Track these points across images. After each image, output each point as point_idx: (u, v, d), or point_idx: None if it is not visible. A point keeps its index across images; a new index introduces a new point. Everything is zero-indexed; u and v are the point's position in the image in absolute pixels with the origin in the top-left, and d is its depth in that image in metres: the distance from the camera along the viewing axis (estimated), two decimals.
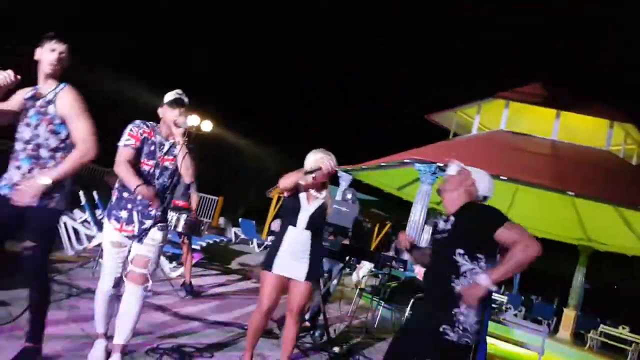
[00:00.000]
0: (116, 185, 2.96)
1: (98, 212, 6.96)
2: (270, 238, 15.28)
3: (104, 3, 23.10)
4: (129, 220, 2.88)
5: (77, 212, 6.66)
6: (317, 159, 3.27)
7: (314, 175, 3.16)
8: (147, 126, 2.97)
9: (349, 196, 5.83)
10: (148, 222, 2.90)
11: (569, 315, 12.00)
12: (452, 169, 2.68)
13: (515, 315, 13.04)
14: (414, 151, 10.93)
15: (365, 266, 9.83)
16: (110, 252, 2.95)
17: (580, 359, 10.47)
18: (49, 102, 2.60)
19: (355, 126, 30.39)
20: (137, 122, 2.96)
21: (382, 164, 11.20)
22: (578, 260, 13.25)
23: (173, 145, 2.95)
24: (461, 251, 2.43)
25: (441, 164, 9.65)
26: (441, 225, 2.62)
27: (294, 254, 3.23)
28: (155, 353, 3.44)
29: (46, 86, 2.63)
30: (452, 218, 2.57)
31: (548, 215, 12.12)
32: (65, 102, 2.60)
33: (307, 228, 3.25)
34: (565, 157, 10.66)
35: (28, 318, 2.75)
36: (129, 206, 2.88)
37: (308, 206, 3.29)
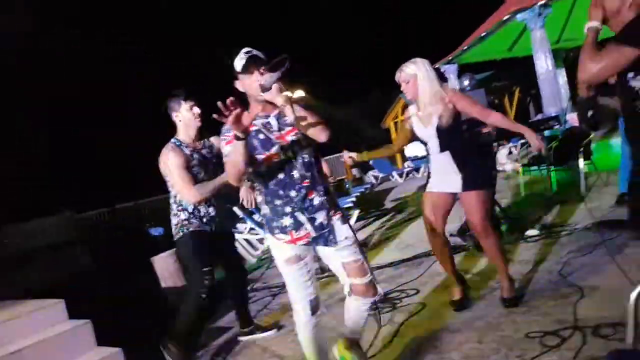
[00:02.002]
0: (259, 194, 2.36)
1: (255, 216, 7.48)
2: (407, 163, 15.18)
3: None
4: (297, 225, 2.25)
5: (240, 226, 7.24)
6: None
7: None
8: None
9: (466, 83, 5.47)
10: (320, 215, 2.26)
11: None
12: None
13: None
14: (508, 2, 9.90)
15: (501, 151, 9.31)
16: (289, 272, 2.32)
17: None
18: None
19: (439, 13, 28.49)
20: (226, 126, 2.19)
21: (483, 34, 10.35)
22: None
23: (280, 116, 2.26)
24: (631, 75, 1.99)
25: (542, 1, 8.63)
26: None
27: (443, 172, 3.13)
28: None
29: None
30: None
31: None
32: None
33: (442, 150, 3.10)
34: None
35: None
36: (287, 209, 2.25)
37: (426, 131, 3.13)
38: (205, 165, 3.30)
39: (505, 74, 17.06)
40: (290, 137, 2.25)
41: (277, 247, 2.31)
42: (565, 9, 9.63)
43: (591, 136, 5.95)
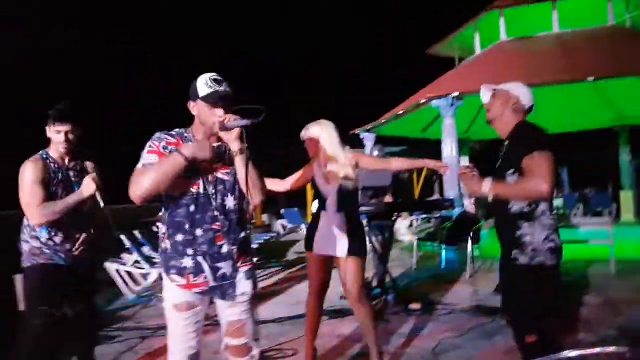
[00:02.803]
0: (162, 226, 2.16)
1: (145, 249, 7.07)
2: None
3: None
4: (197, 270, 2.07)
5: (125, 256, 6.78)
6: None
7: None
8: (172, 136, 2.12)
9: (376, 153, 5.76)
10: (226, 265, 2.10)
11: (626, 197, 11.71)
12: (486, 95, 2.55)
13: (575, 214, 12.81)
14: (427, 89, 10.72)
15: (402, 222, 9.82)
16: (176, 320, 2.10)
17: None
18: None
19: (363, 87, 30.09)
20: (157, 134, 2.11)
21: (400, 112, 11.07)
22: (619, 141, 12.94)
23: (219, 149, 2.11)
24: (511, 171, 2.36)
25: (456, 94, 9.45)
26: (501, 151, 2.54)
27: (330, 233, 3.14)
28: None
29: None
30: (506, 143, 2.49)
31: (576, 108, 11.79)
32: None
33: (338, 210, 3.15)
34: (573, 45, 10.28)
35: None
36: (190, 251, 2.07)
37: (329, 187, 3.17)
38: (67, 187, 2.95)
39: (417, 152, 18.22)
40: (220, 175, 2.11)
41: (169, 289, 2.10)
42: (476, 104, 10.62)
43: (481, 223, 6.44)
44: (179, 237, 2.06)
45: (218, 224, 2.07)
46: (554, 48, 10.31)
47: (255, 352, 2.20)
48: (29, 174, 2.85)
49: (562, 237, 2.37)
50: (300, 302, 5.38)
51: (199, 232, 2.04)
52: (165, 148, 2.05)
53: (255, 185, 2.07)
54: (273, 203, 21.36)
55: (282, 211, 15.36)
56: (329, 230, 3.15)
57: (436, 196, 11.95)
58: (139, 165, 2.02)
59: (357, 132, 12.93)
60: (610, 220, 7.52)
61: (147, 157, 2.03)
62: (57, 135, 2.92)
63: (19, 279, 5.42)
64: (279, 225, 15.54)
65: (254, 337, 2.20)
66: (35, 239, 2.91)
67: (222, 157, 2.12)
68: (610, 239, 6.10)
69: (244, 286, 2.13)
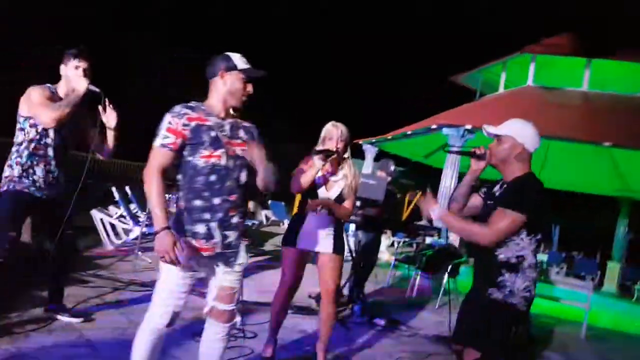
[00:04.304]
0: (181, 191, 2.27)
1: (132, 206, 7.10)
2: None
3: None
4: (208, 235, 2.21)
5: (112, 209, 6.82)
6: (326, 131, 3.18)
7: (325, 158, 2.95)
8: (192, 109, 2.21)
9: (392, 168, 5.65)
10: (233, 235, 2.26)
11: (613, 268, 11.70)
12: (490, 135, 2.52)
13: (557, 272, 12.83)
14: (440, 116, 10.71)
15: (383, 240, 9.81)
16: (174, 277, 2.19)
17: (629, 310, 10.23)
18: None
19: (378, 97, 29.99)
20: (177, 108, 2.20)
21: (408, 132, 11.03)
22: (619, 212, 12.90)
23: (233, 126, 2.29)
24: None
25: (469, 127, 9.44)
26: (496, 189, 2.51)
27: (318, 231, 3.19)
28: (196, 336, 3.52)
29: None
30: (505, 186, 2.46)
31: (584, 169, 11.76)
32: None
33: (329, 214, 3.19)
34: (598, 107, 10.25)
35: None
36: (206, 216, 2.20)
37: (327, 193, 3.21)
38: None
39: (416, 176, 18.23)
40: (238, 150, 2.27)
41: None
42: (487, 142, 10.62)
43: (463, 259, 6.47)
44: (197, 203, 2.19)
45: (234, 196, 2.24)
46: (579, 104, 10.29)
47: (238, 319, 2.40)
48: (37, 93, 3.06)
49: (541, 292, 2.39)
50: (267, 292, 5.42)
51: (216, 200, 2.19)
52: (186, 125, 2.17)
53: (261, 159, 2.27)
54: (261, 192, 21.29)
55: (269, 202, 15.43)
56: (315, 228, 3.19)
57: (424, 222, 11.94)
58: (157, 143, 2.17)
59: (360, 143, 12.88)
60: (592, 285, 7.56)
61: (165, 134, 2.16)
62: (75, 70, 3.13)
63: None
64: (263, 214, 15.58)
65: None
66: (18, 165, 3.09)
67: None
68: (588, 303, 6.12)
69: (242, 257, 2.33)
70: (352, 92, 28.42)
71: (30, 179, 3.09)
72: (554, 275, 10.68)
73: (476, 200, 2.55)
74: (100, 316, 3.69)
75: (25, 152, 3.10)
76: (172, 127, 2.15)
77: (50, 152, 3.15)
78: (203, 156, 2.17)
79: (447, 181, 9.83)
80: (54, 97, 3.12)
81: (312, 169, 3.00)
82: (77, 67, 3.14)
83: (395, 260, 7.02)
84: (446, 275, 6.06)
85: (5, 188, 3.09)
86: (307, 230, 3.22)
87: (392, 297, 5.91)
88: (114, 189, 6.68)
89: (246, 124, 2.36)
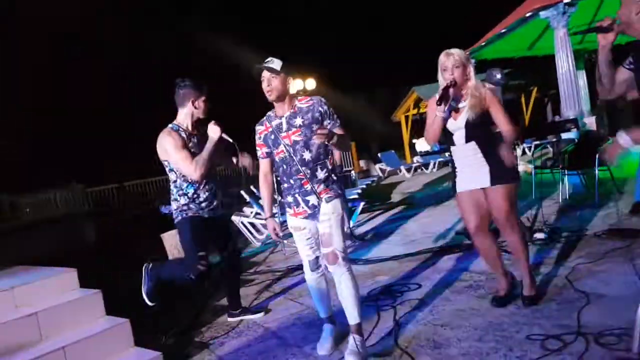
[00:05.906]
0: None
1: (262, 200, 7.47)
2: (416, 158, 15.06)
3: None
4: (297, 203, 2.87)
5: (246, 209, 7.23)
6: (440, 62, 2.96)
7: (447, 101, 2.85)
8: (261, 123, 2.96)
9: (499, 76, 5.21)
10: (312, 198, 2.83)
11: None
12: None
13: None
14: (531, 1, 9.69)
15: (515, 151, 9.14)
16: (295, 237, 2.97)
17: None
18: None
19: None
20: (256, 126, 3.00)
21: (503, 30, 10.16)
22: None
23: (291, 116, 2.84)
24: None
25: (567, 0, 8.46)
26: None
27: (469, 166, 3.04)
28: (369, 300, 3.62)
29: None
30: None
31: None
32: None
33: (467, 141, 3.01)
34: None
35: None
36: (291, 191, 2.89)
37: (456, 123, 3.02)
38: (200, 148, 3.43)
39: (523, 73, 16.81)
40: (294, 137, 2.81)
41: (288, 218, 2.97)
42: (591, 9, 9.41)
43: (608, 142, 5.84)
44: (285, 185, 2.94)
45: (301, 174, 2.82)
46: None
47: (340, 259, 2.80)
48: (170, 142, 3.37)
49: None
50: (413, 241, 5.42)
51: (292, 181, 2.87)
52: (260, 138, 2.96)
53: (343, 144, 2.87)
54: (367, 149, 21.16)
55: (379, 155, 15.26)
56: (465, 163, 3.06)
57: (555, 118, 11.00)
58: (259, 155, 3.02)
59: None
60: None
61: (257, 149, 3.01)
62: (204, 104, 3.50)
63: (166, 237, 6.07)
64: (377, 168, 15.50)
65: (342, 246, 2.82)
66: (183, 195, 3.46)
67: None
68: None
69: (324, 208, 2.83)
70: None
71: (197, 202, 3.46)
72: None
73: (623, 74, 2.25)
74: (274, 307, 3.97)
75: (185, 184, 3.44)
76: (257, 142, 2.98)
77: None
78: (276, 153, 2.89)
79: (564, 65, 8.93)
80: (185, 140, 3.40)
81: (436, 120, 2.95)
82: (205, 102, 3.49)
83: (535, 168, 6.54)
84: (596, 166, 5.54)
85: (179, 218, 3.47)
86: (461, 168, 3.12)
87: (544, 207, 5.48)
88: (242, 191, 7.08)
89: (305, 105, 2.84)
